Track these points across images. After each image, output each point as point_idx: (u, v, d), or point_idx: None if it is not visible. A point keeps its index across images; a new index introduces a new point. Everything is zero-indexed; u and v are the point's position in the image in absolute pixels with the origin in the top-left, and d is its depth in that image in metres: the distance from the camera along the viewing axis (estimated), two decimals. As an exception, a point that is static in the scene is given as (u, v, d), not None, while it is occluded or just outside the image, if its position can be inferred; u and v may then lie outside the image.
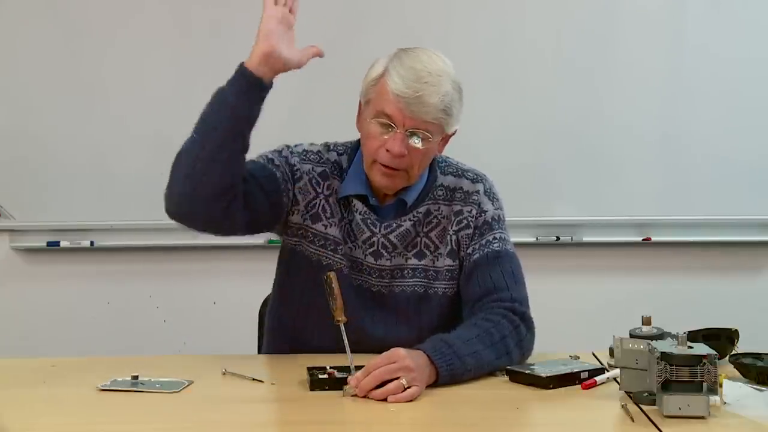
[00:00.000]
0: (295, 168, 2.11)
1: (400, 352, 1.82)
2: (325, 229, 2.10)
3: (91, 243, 3.47)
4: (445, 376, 1.85)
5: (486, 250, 2.10)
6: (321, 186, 2.11)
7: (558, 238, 3.52)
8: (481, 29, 3.44)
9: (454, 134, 2.11)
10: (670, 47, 3.48)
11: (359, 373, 1.80)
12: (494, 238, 2.11)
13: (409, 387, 1.77)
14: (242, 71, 1.93)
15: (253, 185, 2.01)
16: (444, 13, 3.43)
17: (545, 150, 3.48)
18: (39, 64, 3.38)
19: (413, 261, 2.12)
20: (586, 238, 3.53)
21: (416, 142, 2.01)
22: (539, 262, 3.39)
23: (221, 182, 1.92)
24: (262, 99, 1.94)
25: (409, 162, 2.03)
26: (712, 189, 3.50)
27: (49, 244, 3.46)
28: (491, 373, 1.95)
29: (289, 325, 2.19)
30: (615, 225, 3.52)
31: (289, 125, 3.34)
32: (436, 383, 1.85)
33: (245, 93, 1.92)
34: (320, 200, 2.12)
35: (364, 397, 1.78)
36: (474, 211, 2.13)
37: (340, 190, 2.12)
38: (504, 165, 3.31)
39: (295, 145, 2.16)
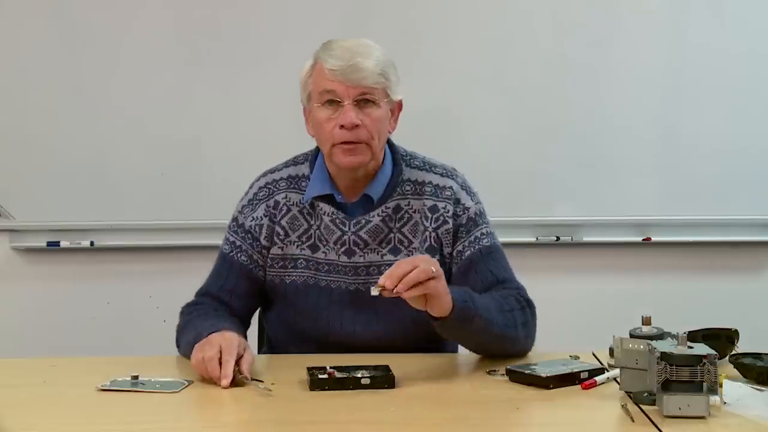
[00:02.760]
0: (254, 226, 2.17)
1: (418, 256, 1.92)
2: (282, 251, 2.15)
3: (91, 243, 3.44)
4: (459, 309, 1.88)
5: (478, 246, 2.12)
6: (276, 217, 2.16)
7: (558, 238, 3.51)
8: (480, 29, 3.43)
9: (401, 107, 2.13)
10: (669, 46, 3.47)
11: (384, 278, 1.81)
12: (482, 234, 2.14)
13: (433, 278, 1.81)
14: None
15: (246, 307, 2.21)
16: (444, 13, 3.43)
17: (545, 150, 3.47)
18: (39, 63, 3.37)
19: (389, 257, 2.12)
20: (586, 238, 3.52)
21: (366, 110, 2.03)
22: (539, 262, 3.43)
23: None
24: None
25: (367, 133, 2.05)
26: (712, 189, 3.48)
27: (49, 244, 3.44)
28: (490, 373, 1.95)
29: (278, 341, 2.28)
30: (615, 225, 3.50)
31: (291, 126, 3.35)
32: (446, 319, 1.88)
33: None
34: (275, 227, 2.16)
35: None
36: (452, 208, 2.14)
37: (304, 196, 2.15)
38: (504, 165, 3.37)
39: (243, 198, 2.22)
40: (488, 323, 1.95)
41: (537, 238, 3.50)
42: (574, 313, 3.44)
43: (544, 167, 3.45)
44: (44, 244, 3.45)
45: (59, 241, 3.44)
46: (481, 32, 3.41)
